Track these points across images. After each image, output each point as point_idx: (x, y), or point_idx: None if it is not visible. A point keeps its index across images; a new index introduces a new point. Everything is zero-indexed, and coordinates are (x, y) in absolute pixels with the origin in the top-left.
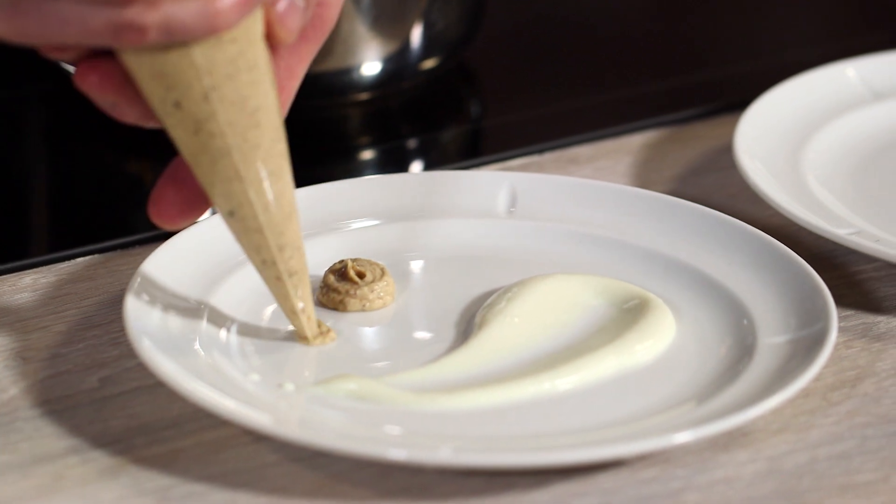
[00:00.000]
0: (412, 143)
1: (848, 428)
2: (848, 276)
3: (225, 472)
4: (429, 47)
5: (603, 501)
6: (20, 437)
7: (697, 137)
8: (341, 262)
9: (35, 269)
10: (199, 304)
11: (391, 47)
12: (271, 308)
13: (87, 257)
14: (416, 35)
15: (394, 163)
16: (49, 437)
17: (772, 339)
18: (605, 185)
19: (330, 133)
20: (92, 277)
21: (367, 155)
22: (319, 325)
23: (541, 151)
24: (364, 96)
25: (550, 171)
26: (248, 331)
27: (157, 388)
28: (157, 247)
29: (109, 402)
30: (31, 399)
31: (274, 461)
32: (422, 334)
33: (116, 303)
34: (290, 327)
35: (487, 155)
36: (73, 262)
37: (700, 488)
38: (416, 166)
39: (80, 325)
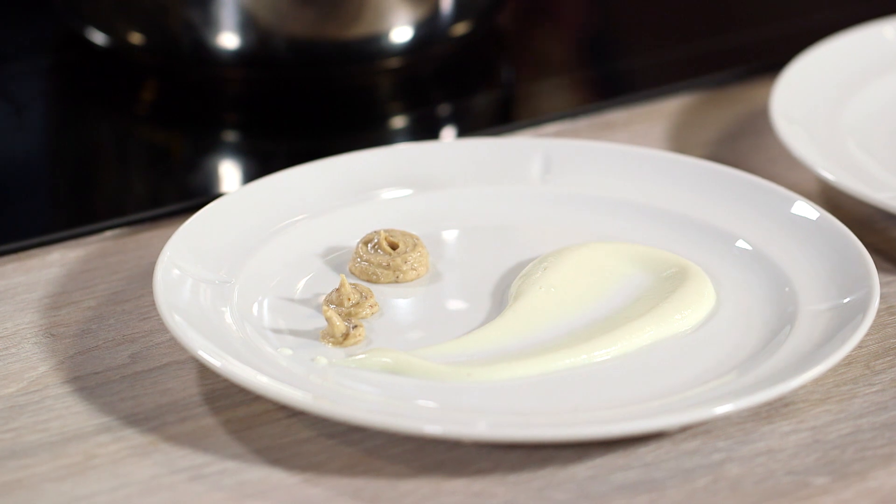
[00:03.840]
0: (444, 110)
1: (892, 397)
2: (889, 241)
3: (258, 448)
4: (459, 12)
5: (644, 475)
6: (51, 415)
7: (733, 100)
8: (374, 232)
9: (63, 244)
10: (230, 277)
11: (421, 12)
12: (304, 281)
13: (116, 230)
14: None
15: (425, 130)
16: (80, 415)
17: (814, 306)
18: (640, 151)
19: (360, 100)
20: (121, 251)
21: (399, 122)
22: (350, 320)
23: (574, 116)
24: (394, 63)
25: (585, 137)
26: (279, 305)
27: (188, 363)
28: (185, 219)
29: (140, 378)
30: (60, 376)
31: (308, 437)
32: (456, 305)
33: (146, 277)
34: (322, 299)
35: (520, 121)
36: (101, 235)
37: (742, 460)
38: (448, 133)
39: (109, 301)
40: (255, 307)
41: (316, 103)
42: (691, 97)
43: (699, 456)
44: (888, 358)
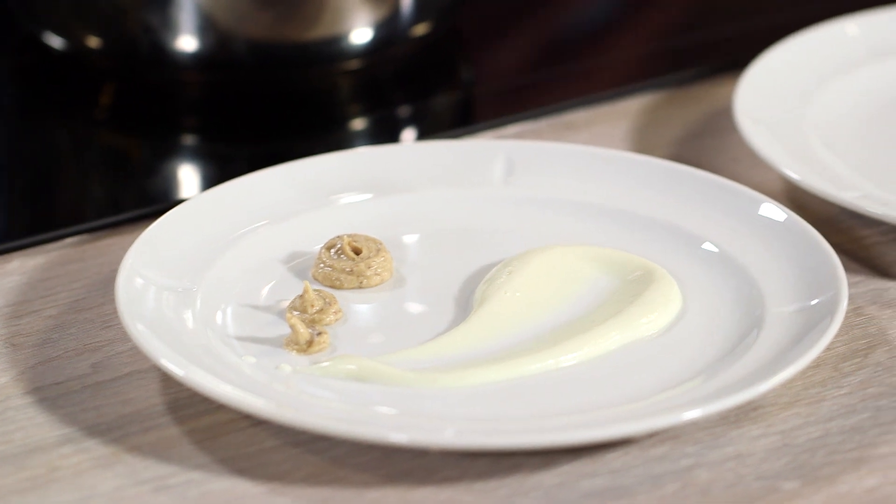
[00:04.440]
0: (404, 112)
1: (861, 399)
2: (855, 240)
3: (223, 458)
4: (419, 13)
5: (612, 481)
6: (13, 426)
7: (696, 99)
8: (337, 237)
9: (22, 252)
10: (192, 284)
11: (381, 14)
12: (267, 287)
13: (76, 237)
14: (407, 0)
15: (385, 132)
16: (42, 426)
17: (781, 308)
18: (604, 152)
19: (320, 103)
20: (81, 258)
21: (359, 125)
22: (314, 325)
23: (536, 117)
24: (354, 65)
25: (547, 138)
26: (242, 312)
27: (151, 372)
28: (145, 225)
29: (102, 388)
30: (22, 387)
31: (273, 446)
32: (420, 311)
33: (107, 284)
34: (286, 306)
35: (481, 122)
36: (61, 242)
37: (711, 465)
38: (409, 135)
39: (70, 309)
40: (218, 315)
41: (275, 106)
42: (653, 97)
43: (668, 462)
44: (856, 360)
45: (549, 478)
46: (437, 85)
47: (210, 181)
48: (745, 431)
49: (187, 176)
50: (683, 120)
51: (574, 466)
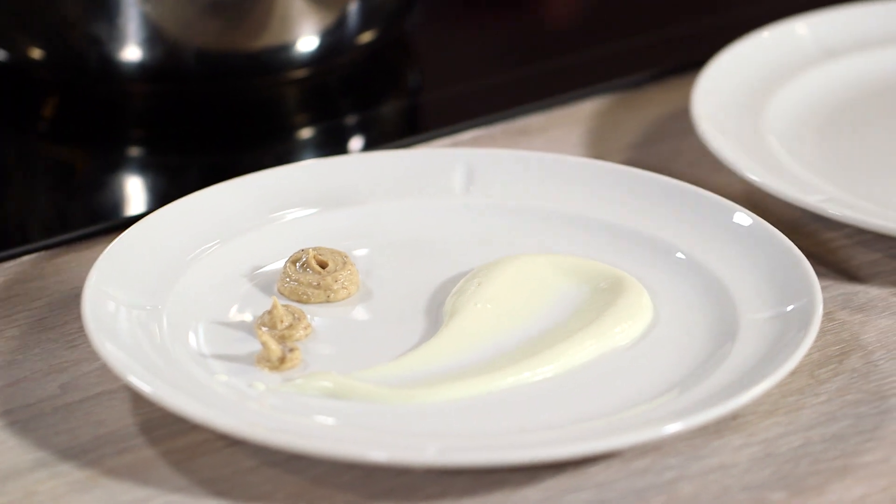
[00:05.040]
0: (353, 121)
1: (840, 406)
2: (820, 244)
3: (201, 480)
4: (366, 20)
5: (597, 496)
6: None
7: (649, 102)
8: (302, 251)
9: None
10: (157, 302)
11: (328, 21)
12: (233, 303)
13: (32, 255)
14: (353, 7)
15: (334, 142)
16: (14, 450)
17: (755, 315)
18: (565, 159)
19: (267, 113)
20: (40, 276)
21: (307, 134)
22: (285, 341)
23: (489, 124)
24: (300, 73)
25: (501, 144)
26: (210, 329)
27: (120, 392)
28: (100, 242)
29: (73, 409)
30: None
31: (251, 466)
32: (390, 324)
33: (68, 303)
34: (254, 322)
35: (434, 129)
36: (17, 261)
37: (695, 477)
38: (358, 144)
39: (33, 329)
40: (186, 332)
41: (223, 116)
42: (606, 100)
43: (651, 475)
44: (831, 366)
45: (534, 493)
46: (385, 92)
47: (159, 194)
48: (726, 441)
49: (136, 190)
50: (638, 123)
51: (558, 481)
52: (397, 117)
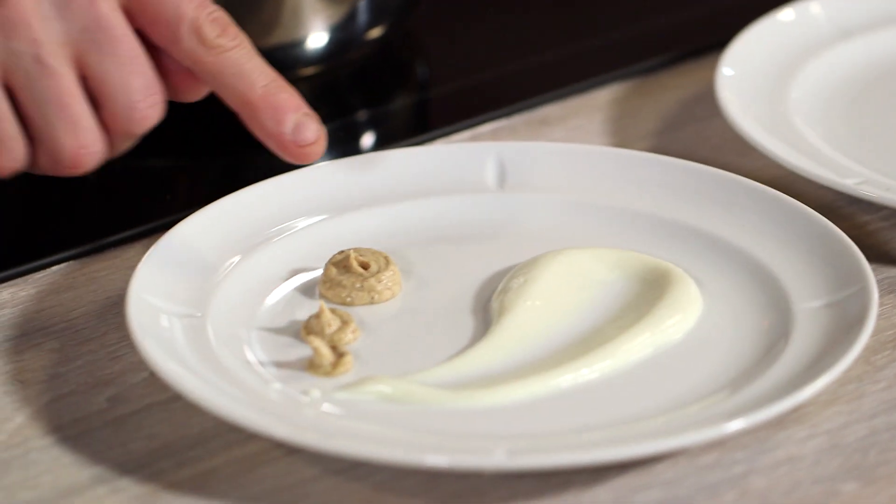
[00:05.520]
0: (368, 117)
1: None
2: (857, 227)
3: (264, 491)
4: (376, 14)
5: (668, 493)
6: (39, 469)
7: (664, 88)
8: (342, 252)
9: (11, 283)
10: (199, 310)
11: (338, 16)
12: (276, 309)
13: (63, 265)
14: (363, 2)
15: (349, 138)
16: (70, 466)
17: (807, 304)
18: (599, 150)
19: None
20: (73, 286)
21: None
22: (336, 349)
23: (506, 115)
24: (311, 70)
25: (522, 134)
26: (256, 336)
27: (171, 403)
28: (130, 249)
29: (124, 423)
30: (40, 426)
31: (314, 475)
32: (438, 324)
33: (104, 313)
34: (300, 327)
35: (451, 123)
36: (48, 271)
37: (765, 471)
38: (373, 139)
39: (72, 340)
40: (232, 340)
41: (234, 115)
42: (622, 86)
43: (720, 469)
44: (886, 352)
45: (604, 493)
46: (398, 87)
47: (179, 199)
48: (791, 434)
49: (156, 195)
50: (657, 109)
51: (625, 480)
52: (412, 112)
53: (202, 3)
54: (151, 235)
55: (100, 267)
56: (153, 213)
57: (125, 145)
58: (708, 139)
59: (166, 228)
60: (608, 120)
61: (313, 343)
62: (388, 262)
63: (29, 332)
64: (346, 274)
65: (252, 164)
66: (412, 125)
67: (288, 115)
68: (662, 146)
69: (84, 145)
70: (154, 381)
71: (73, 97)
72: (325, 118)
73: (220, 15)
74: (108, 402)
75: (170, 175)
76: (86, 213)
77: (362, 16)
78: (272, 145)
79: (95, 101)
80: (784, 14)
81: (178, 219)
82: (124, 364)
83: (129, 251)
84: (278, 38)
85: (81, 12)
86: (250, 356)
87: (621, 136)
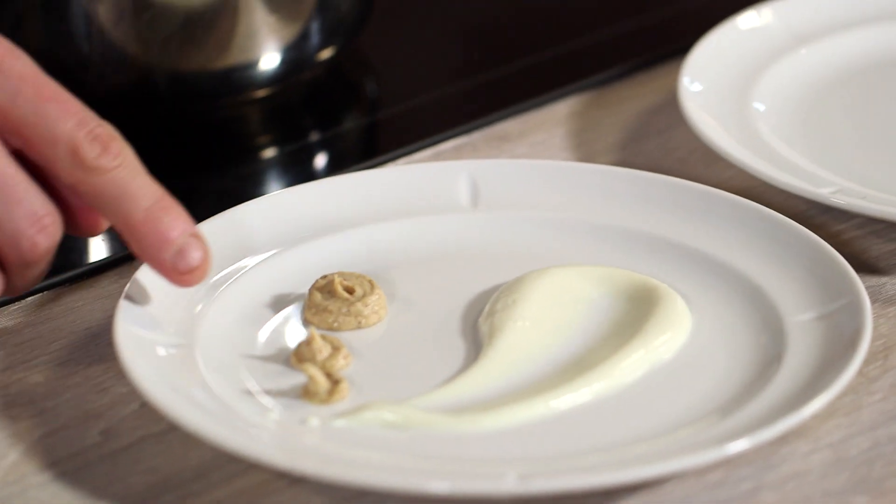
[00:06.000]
0: (320, 139)
1: None
2: (832, 237)
3: None
4: (328, 34)
5: None
6: None
7: (622, 99)
8: (325, 277)
9: None
10: (188, 338)
11: (290, 37)
12: (262, 337)
13: (36, 296)
14: (314, 22)
15: (301, 161)
16: (71, 503)
17: (798, 317)
18: (569, 165)
19: (230, 134)
20: (49, 318)
21: (269, 153)
22: (330, 375)
23: (468, 132)
24: (263, 93)
25: (484, 152)
26: (247, 365)
27: (165, 436)
28: (104, 277)
29: (120, 456)
30: (35, 463)
31: None
32: (428, 347)
33: (86, 344)
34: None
35: (412, 143)
36: (23, 302)
37: (773, 486)
38: (324, 161)
39: (57, 374)
40: (223, 369)
41: (186, 138)
42: (578, 100)
43: (728, 487)
44: (877, 363)
45: None
46: (351, 107)
47: None
48: (794, 448)
49: None
50: (617, 122)
51: (636, 500)
52: (366, 132)
53: (81, 121)
54: (123, 264)
55: (74, 297)
56: (116, 240)
57: (31, 274)
58: (672, 151)
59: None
60: (569, 134)
61: (308, 370)
62: (372, 285)
63: (11, 366)
64: (332, 299)
65: (205, 186)
66: (367, 146)
67: (170, 241)
68: (628, 159)
69: None
70: (145, 413)
71: None
72: (278, 141)
73: (103, 131)
74: (101, 435)
75: None
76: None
77: (314, 36)
78: (153, 269)
79: None
80: (741, 21)
81: None
82: (113, 396)
83: (102, 280)
84: (231, 59)
85: None
86: (243, 385)
87: (585, 151)
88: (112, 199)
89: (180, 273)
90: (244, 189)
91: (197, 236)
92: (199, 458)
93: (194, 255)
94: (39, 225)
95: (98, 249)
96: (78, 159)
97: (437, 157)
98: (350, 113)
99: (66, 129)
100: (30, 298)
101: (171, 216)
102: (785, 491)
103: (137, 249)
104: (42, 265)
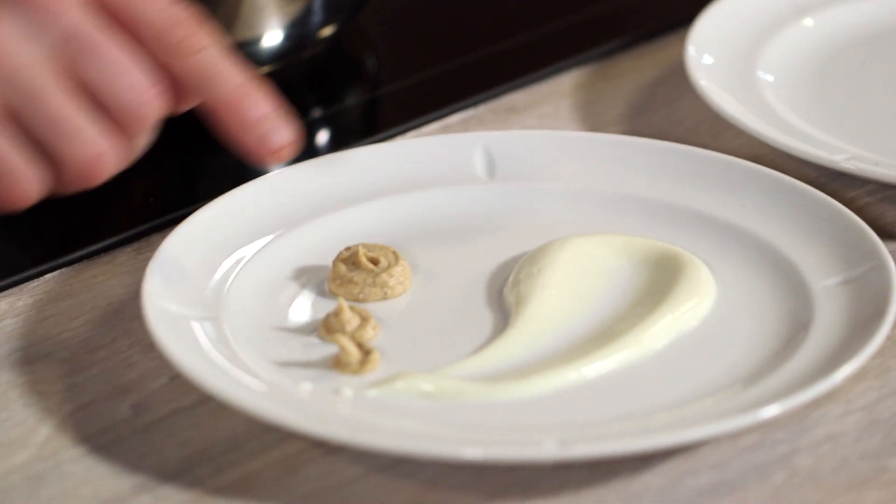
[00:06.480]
0: (322, 115)
1: None
2: (846, 203)
3: (310, 492)
4: (330, 11)
5: (718, 476)
6: (76, 481)
7: (626, 71)
8: (349, 248)
9: (6, 293)
10: (216, 311)
11: (293, 14)
12: (289, 308)
13: (56, 273)
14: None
15: (308, 137)
16: (107, 477)
17: (824, 281)
18: (586, 136)
19: None
20: (70, 294)
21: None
22: (361, 346)
23: (475, 104)
24: (265, 70)
25: (492, 124)
26: (276, 337)
27: (197, 408)
28: (122, 253)
29: (153, 430)
30: (68, 438)
31: (357, 474)
32: (455, 317)
33: (110, 319)
34: (318, 326)
35: (418, 117)
36: (42, 279)
37: (809, 449)
38: (328, 137)
39: (82, 349)
40: (253, 341)
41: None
42: (582, 72)
43: (764, 450)
44: None
45: (653, 479)
46: (355, 83)
47: (170, 201)
48: (827, 411)
49: (138, 200)
50: (622, 93)
51: (672, 465)
52: (369, 108)
53: (171, 3)
54: (141, 239)
55: (94, 273)
56: (141, 216)
57: (139, 144)
58: (679, 122)
59: (155, 231)
60: (576, 106)
61: (340, 341)
62: (396, 256)
63: (36, 343)
64: (357, 270)
65: (218, 163)
66: (370, 122)
67: (258, 119)
68: (636, 130)
69: (93, 155)
70: (175, 386)
71: (68, 111)
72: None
73: (189, 16)
74: (132, 409)
75: (134, 176)
76: (73, 220)
77: (316, 13)
78: (240, 149)
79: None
80: None
81: (166, 222)
82: (141, 370)
83: (120, 256)
84: (234, 36)
85: (54, 28)
86: (274, 357)
87: (593, 122)
88: (199, 80)
89: (265, 153)
90: (246, 166)
91: (283, 118)
92: (231, 430)
93: (281, 133)
94: (148, 94)
95: (115, 224)
96: (170, 39)
97: (445, 131)
98: (353, 89)
99: (155, 10)
100: (48, 275)
101: (257, 96)
102: (821, 453)
103: (223, 130)
104: (150, 133)
